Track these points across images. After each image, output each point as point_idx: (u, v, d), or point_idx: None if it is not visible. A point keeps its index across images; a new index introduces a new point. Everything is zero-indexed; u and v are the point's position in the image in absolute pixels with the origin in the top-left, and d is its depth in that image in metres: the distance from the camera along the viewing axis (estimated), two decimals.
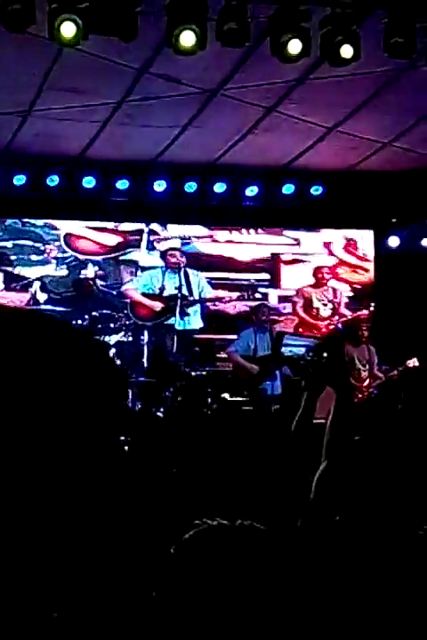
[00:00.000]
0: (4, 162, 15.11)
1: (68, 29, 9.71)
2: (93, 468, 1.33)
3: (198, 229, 14.08)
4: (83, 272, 12.44)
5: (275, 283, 13.60)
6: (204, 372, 11.68)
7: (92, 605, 1.31)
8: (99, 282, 12.22)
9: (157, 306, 12.13)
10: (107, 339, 11.29)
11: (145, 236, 13.60)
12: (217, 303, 12.45)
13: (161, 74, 11.75)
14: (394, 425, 4.50)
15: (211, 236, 13.97)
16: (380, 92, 12.39)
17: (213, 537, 2.08)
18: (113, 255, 13.10)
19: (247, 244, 14.39)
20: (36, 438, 1.30)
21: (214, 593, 2.01)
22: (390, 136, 14.16)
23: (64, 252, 13.08)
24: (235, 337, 12.85)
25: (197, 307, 12.37)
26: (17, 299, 12.05)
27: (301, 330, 12.49)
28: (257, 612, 2.02)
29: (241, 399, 11.87)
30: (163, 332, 11.83)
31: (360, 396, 14.78)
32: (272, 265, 13.53)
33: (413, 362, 14.15)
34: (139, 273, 12.33)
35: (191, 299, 12.29)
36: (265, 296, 13.09)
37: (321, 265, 13.15)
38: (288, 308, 12.67)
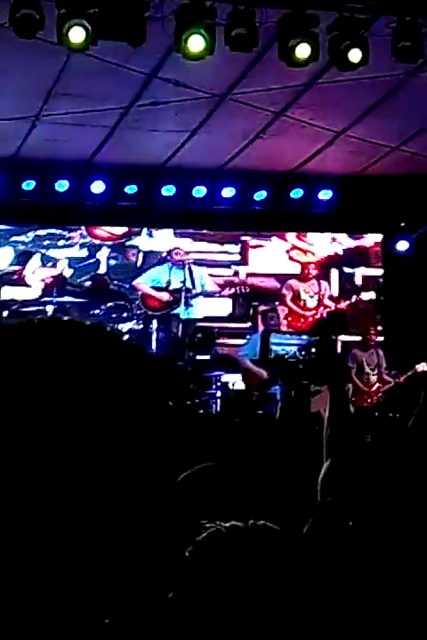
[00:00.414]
0: (14, 167, 15.14)
1: (77, 34, 9.74)
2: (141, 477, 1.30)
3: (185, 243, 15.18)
4: (98, 254, 14.33)
5: (244, 261, 14.85)
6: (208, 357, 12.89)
7: (123, 609, 1.30)
8: (112, 277, 13.85)
9: (165, 297, 13.63)
10: (120, 326, 12.91)
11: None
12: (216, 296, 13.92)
13: (169, 78, 11.77)
14: (404, 429, 4.48)
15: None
16: (388, 96, 12.39)
17: (227, 539, 2.07)
18: (120, 241, 14.96)
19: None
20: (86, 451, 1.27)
21: (231, 595, 2.01)
22: (398, 140, 14.16)
23: (84, 237, 15.01)
24: (247, 325, 13.90)
25: (200, 298, 13.69)
26: (49, 274, 14.25)
27: (290, 319, 13.83)
28: (274, 614, 2.02)
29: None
30: (169, 320, 13.34)
31: (369, 400, 14.78)
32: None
33: (422, 366, 14.14)
34: (142, 258, 14.28)
35: (194, 291, 13.67)
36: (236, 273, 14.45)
37: (307, 261, 14.31)
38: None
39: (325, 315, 13.74)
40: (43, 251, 14.31)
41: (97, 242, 14.85)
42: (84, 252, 14.45)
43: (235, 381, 13.09)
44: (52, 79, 11.85)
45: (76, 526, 1.25)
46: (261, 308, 14.07)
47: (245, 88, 12.19)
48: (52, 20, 9.73)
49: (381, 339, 14.58)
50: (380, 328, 14.64)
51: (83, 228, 15.36)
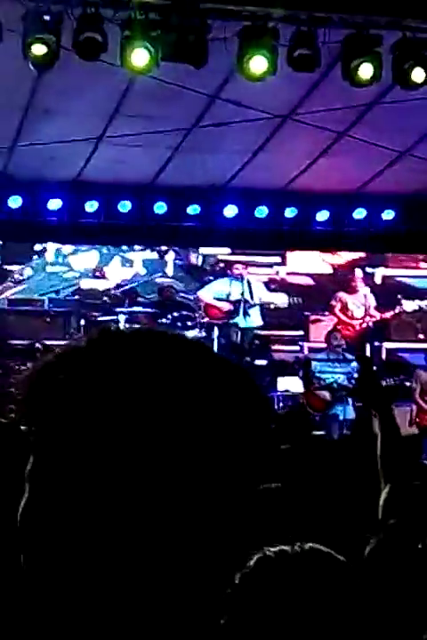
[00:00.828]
0: (77, 188, 15.26)
1: (140, 57, 9.80)
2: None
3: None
4: (166, 257, 15.77)
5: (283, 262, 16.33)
6: (264, 362, 14.21)
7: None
8: (178, 288, 14.94)
9: (226, 307, 14.73)
10: (185, 333, 12.63)
11: None
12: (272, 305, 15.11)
13: (232, 99, 11.79)
14: None
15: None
16: None
17: (276, 565, 2.04)
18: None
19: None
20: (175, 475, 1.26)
21: (283, 623, 1.98)
22: None
23: None
24: (299, 332, 15.06)
25: (257, 308, 14.78)
26: (127, 272, 15.66)
27: (340, 327, 14.80)
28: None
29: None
30: (229, 328, 14.59)
31: None
32: None
33: None
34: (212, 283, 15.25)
35: (252, 302, 14.78)
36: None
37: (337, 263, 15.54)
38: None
39: (371, 324, 14.85)
40: (122, 254, 15.67)
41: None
42: (155, 254, 15.86)
43: (287, 389, 14.03)
44: (115, 101, 11.95)
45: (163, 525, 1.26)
46: (312, 317, 15.22)
47: (307, 108, 12.17)
48: (116, 43, 9.80)
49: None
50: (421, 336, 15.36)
51: None
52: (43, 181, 14.65)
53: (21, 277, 15.21)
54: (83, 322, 14.60)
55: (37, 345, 13.34)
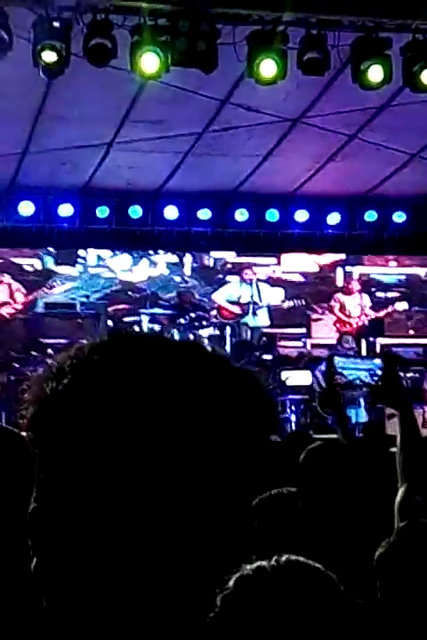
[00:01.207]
0: (88, 194, 15.30)
1: (149, 62, 9.81)
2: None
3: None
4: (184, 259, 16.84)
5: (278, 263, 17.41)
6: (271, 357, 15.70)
7: None
8: (194, 292, 16.33)
9: (237, 310, 16.25)
10: (201, 332, 15.67)
11: None
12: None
13: (242, 104, 11.79)
14: None
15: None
16: None
17: (256, 583, 2.00)
18: None
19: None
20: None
21: None
22: None
23: None
24: (302, 330, 16.45)
25: (265, 309, 16.34)
26: (153, 271, 16.72)
27: (338, 325, 16.35)
28: None
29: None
30: (240, 327, 16.22)
31: None
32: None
33: None
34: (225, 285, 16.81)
35: (260, 304, 16.30)
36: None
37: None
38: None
39: (366, 322, 16.36)
40: (149, 256, 16.65)
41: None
42: (176, 258, 16.81)
43: (287, 377, 15.25)
44: (125, 107, 11.96)
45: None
46: (313, 316, 16.62)
47: (317, 111, 12.16)
48: (126, 49, 9.81)
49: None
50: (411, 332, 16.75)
51: None
52: (54, 187, 14.68)
53: (65, 279, 16.30)
54: (110, 322, 15.80)
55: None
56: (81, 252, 16.44)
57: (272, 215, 16.06)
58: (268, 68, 10.05)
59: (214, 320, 16.09)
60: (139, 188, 15.04)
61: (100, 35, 9.64)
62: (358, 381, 14.58)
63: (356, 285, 16.49)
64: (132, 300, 16.12)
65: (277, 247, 16.74)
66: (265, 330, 16.24)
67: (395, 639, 3.05)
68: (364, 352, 16.20)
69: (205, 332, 15.73)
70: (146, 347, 1.34)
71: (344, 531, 3.78)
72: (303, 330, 16.43)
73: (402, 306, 16.55)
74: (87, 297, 16.03)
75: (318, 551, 3.59)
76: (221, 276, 16.77)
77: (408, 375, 14.81)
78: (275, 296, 16.65)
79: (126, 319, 15.80)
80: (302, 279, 16.65)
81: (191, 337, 14.12)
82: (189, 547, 1.26)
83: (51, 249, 16.17)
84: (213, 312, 16.25)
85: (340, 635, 1.98)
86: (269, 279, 16.71)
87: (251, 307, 16.20)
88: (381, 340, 16.11)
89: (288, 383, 15.10)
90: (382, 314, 16.47)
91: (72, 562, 1.27)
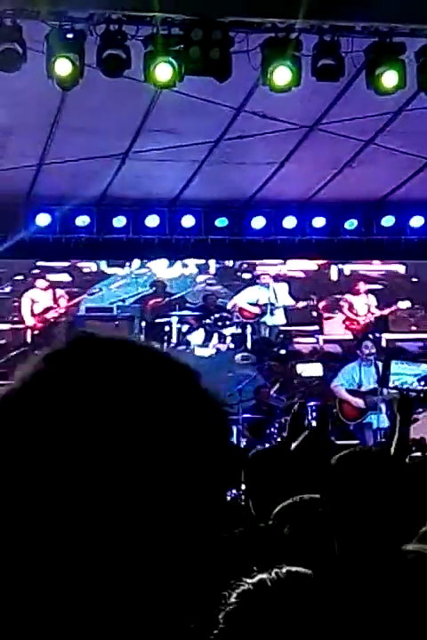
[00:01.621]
0: (104, 204, 15.33)
1: (163, 72, 9.82)
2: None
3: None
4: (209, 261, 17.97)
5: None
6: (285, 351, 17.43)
7: None
8: (218, 296, 17.67)
9: (256, 310, 17.53)
10: (224, 331, 17.34)
11: None
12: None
13: (257, 111, 11.79)
14: None
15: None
16: None
17: (259, 597, 1.97)
18: None
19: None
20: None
21: None
22: None
23: None
24: (315, 328, 17.77)
25: (281, 309, 17.64)
26: (185, 270, 17.90)
27: (347, 323, 17.70)
28: None
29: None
30: (259, 326, 17.60)
31: None
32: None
33: None
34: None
35: (277, 305, 17.58)
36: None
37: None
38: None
39: (372, 320, 17.70)
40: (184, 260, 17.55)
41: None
42: (203, 260, 17.91)
43: (302, 370, 17.26)
44: (140, 117, 11.98)
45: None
46: (325, 314, 17.84)
47: (332, 118, 12.15)
48: (139, 59, 9.83)
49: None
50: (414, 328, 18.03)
51: None
52: (70, 198, 14.72)
53: (103, 286, 17.55)
54: (143, 323, 17.10)
55: None
56: None
57: (289, 222, 16.05)
58: (282, 75, 10.04)
59: (236, 320, 17.47)
60: (155, 197, 15.07)
61: (114, 46, 9.66)
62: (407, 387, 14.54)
63: (363, 286, 17.72)
64: (163, 303, 17.32)
65: (294, 254, 16.79)
66: (282, 328, 17.61)
67: None
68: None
69: (228, 331, 17.37)
70: (101, 353, 1.33)
71: (375, 538, 3.76)
72: (316, 327, 17.78)
73: (405, 304, 17.79)
74: (123, 301, 17.22)
75: (345, 558, 3.58)
76: (240, 280, 17.80)
77: None
78: (284, 293, 17.95)
79: (158, 320, 17.10)
80: (303, 275, 18.06)
81: (216, 336, 17.16)
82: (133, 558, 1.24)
83: None
84: (235, 313, 17.60)
85: None
86: (277, 276, 17.94)
87: (269, 307, 17.45)
88: (386, 336, 17.51)
89: (303, 375, 16.92)
90: (386, 311, 17.67)
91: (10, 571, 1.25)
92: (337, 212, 16.09)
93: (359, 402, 15.09)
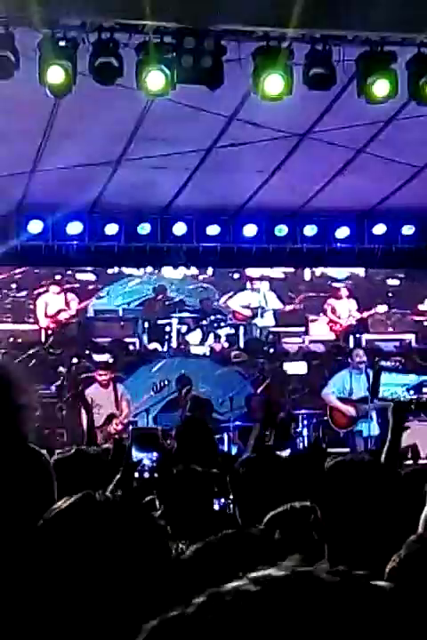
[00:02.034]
0: (97, 212, 15.35)
1: (156, 80, 9.85)
2: None
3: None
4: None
5: None
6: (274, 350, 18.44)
7: None
8: (213, 299, 18.79)
9: (248, 313, 18.79)
10: (219, 331, 18.59)
11: None
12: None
13: (248, 120, 11.82)
14: None
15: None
16: None
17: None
18: None
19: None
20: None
21: None
22: None
23: None
24: (301, 329, 18.87)
25: (271, 312, 18.89)
26: (189, 271, 18.53)
27: (330, 325, 18.89)
28: None
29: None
30: (251, 327, 18.84)
31: None
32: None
33: None
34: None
35: (267, 308, 18.80)
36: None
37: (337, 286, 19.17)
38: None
39: (353, 322, 18.90)
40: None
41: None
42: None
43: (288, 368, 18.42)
44: (132, 124, 12.01)
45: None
46: (311, 317, 18.94)
47: (324, 126, 12.19)
48: (132, 67, 9.86)
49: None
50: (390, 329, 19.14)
51: None
52: (62, 205, 14.74)
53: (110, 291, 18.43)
54: (146, 325, 18.19)
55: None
56: None
57: (281, 230, 16.09)
58: (273, 84, 10.07)
59: (230, 321, 18.78)
60: (147, 204, 15.09)
61: (106, 53, 9.69)
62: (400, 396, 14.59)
63: (345, 292, 18.96)
64: (164, 306, 18.44)
65: (286, 262, 16.87)
66: (271, 329, 18.83)
67: None
68: (351, 346, 17.85)
69: (222, 332, 18.71)
70: None
71: (368, 546, 3.77)
72: (302, 328, 18.98)
73: (382, 308, 19.07)
74: (128, 304, 18.38)
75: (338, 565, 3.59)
76: (233, 284, 18.69)
77: None
78: (273, 297, 19.03)
79: (159, 321, 18.23)
80: (282, 276, 18.99)
81: (212, 336, 18.16)
82: None
83: None
84: (229, 315, 18.83)
85: None
86: (262, 277, 18.93)
87: (259, 310, 18.78)
88: (366, 336, 18.75)
89: (288, 372, 18.31)
90: (365, 315, 18.91)
91: None
92: (329, 220, 16.14)
93: (350, 409, 15.08)
